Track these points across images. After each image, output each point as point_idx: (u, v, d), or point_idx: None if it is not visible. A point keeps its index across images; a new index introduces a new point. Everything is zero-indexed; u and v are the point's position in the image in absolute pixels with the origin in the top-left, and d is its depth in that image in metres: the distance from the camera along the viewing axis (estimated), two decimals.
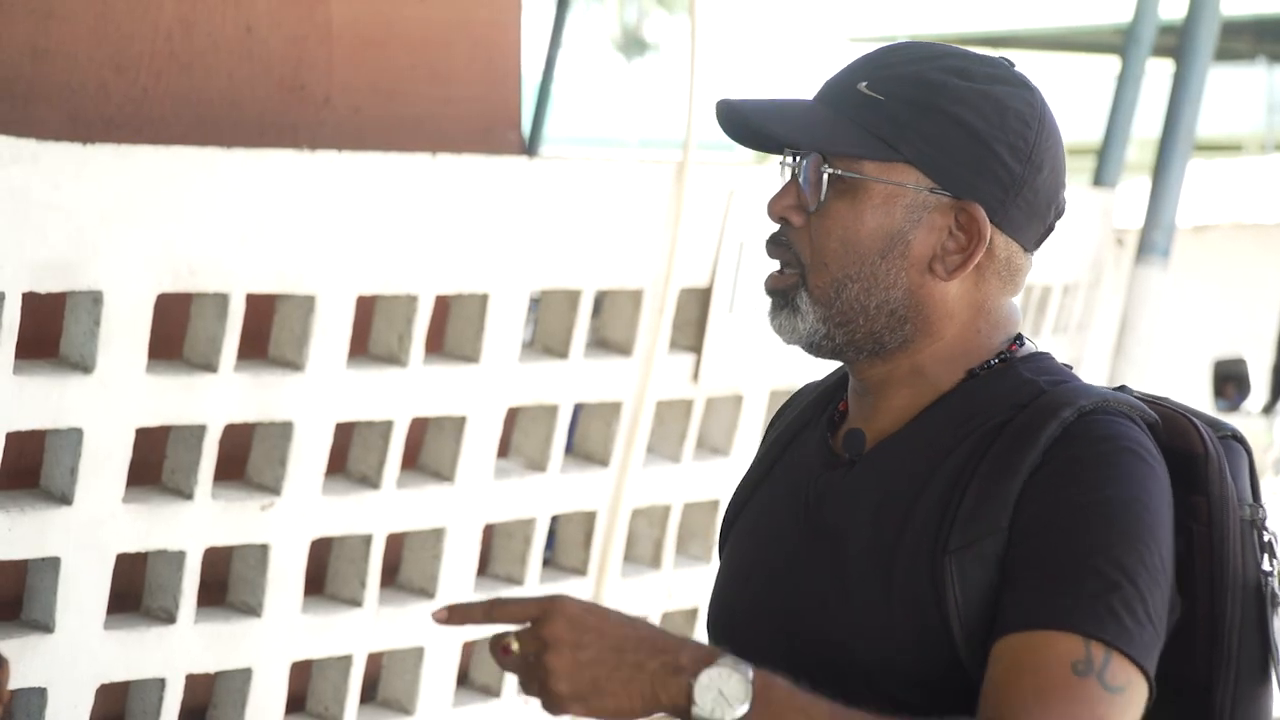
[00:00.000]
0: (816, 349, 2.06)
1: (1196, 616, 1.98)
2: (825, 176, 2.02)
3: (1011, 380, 2.03)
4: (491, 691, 3.92)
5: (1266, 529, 2.02)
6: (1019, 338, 2.08)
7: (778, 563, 2.07)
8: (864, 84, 2.03)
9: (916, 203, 2.01)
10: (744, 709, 1.84)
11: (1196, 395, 10.49)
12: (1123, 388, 2.07)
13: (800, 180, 2.04)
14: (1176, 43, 5.81)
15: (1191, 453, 2.01)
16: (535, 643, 1.85)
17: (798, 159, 2.04)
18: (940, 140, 2.00)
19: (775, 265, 2.07)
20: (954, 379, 2.04)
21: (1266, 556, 2.01)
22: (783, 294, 2.05)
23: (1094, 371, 5.70)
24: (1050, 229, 2.08)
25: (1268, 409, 9.71)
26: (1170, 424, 2.03)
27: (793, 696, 1.85)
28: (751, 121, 2.04)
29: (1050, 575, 1.90)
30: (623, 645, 1.85)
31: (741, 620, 2.10)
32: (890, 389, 2.06)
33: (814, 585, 2.03)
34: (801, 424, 2.17)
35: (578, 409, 4.02)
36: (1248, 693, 1.99)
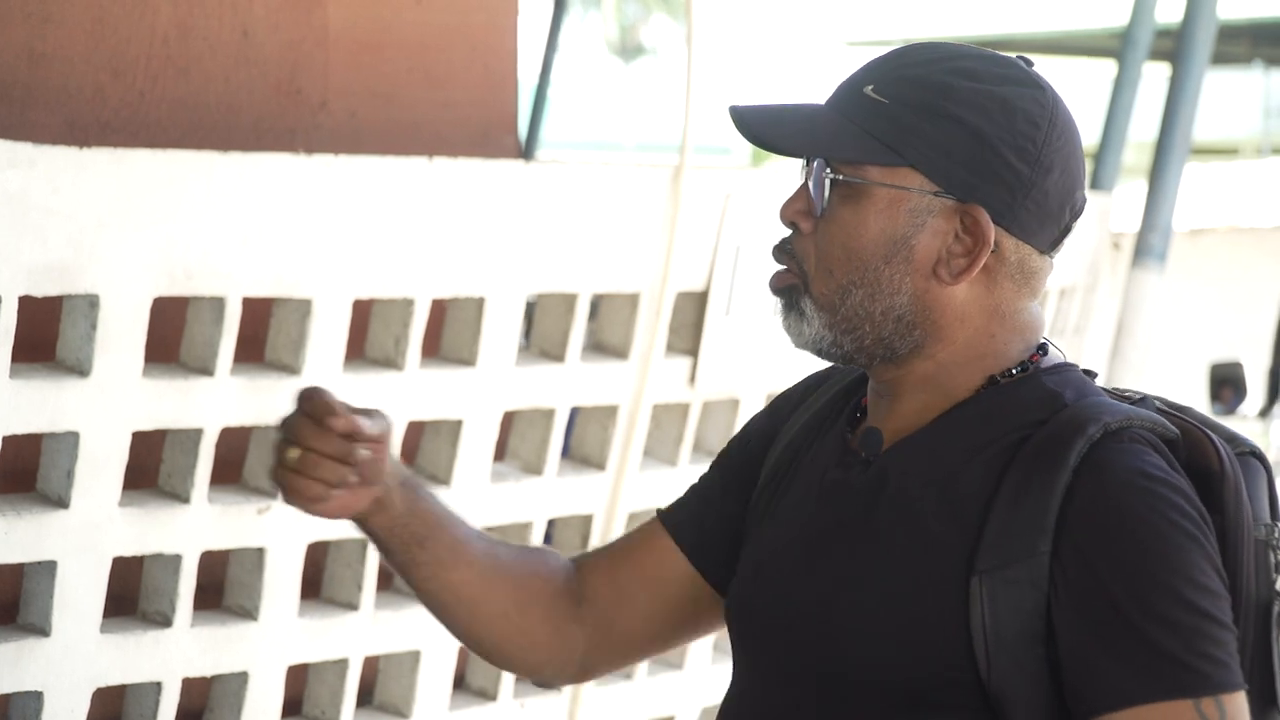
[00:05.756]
0: (825, 354, 2.05)
1: None
2: (828, 181, 2.01)
3: (1034, 390, 2.01)
4: (488, 695, 3.92)
5: None
6: (1043, 346, 2.07)
7: (785, 563, 2.07)
8: (870, 88, 2.02)
9: (920, 207, 2.00)
10: None
11: (1193, 399, 10.49)
12: (1145, 399, 2.06)
13: (810, 185, 2.03)
14: (1173, 46, 5.82)
15: (1208, 470, 2.00)
16: None
17: (808, 163, 2.04)
18: (944, 143, 1.99)
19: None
20: (973, 384, 2.03)
21: (1279, 577, 2.01)
22: (787, 294, 2.05)
23: None
24: (1067, 230, 2.05)
25: (1264, 412, 9.71)
26: (1189, 439, 2.02)
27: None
28: (753, 128, 2.03)
29: (1129, 640, 1.90)
30: None
31: (758, 621, 2.10)
32: (907, 392, 2.05)
33: (815, 591, 2.02)
34: (823, 418, 2.16)
35: (574, 412, 4.02)
36: (1254, 714, 1.99)
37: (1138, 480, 1.93)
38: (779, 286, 2.06)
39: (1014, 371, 2.03)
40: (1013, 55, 2.06)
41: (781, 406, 2.23)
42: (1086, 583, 1.91)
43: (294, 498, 2.11)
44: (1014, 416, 2.00)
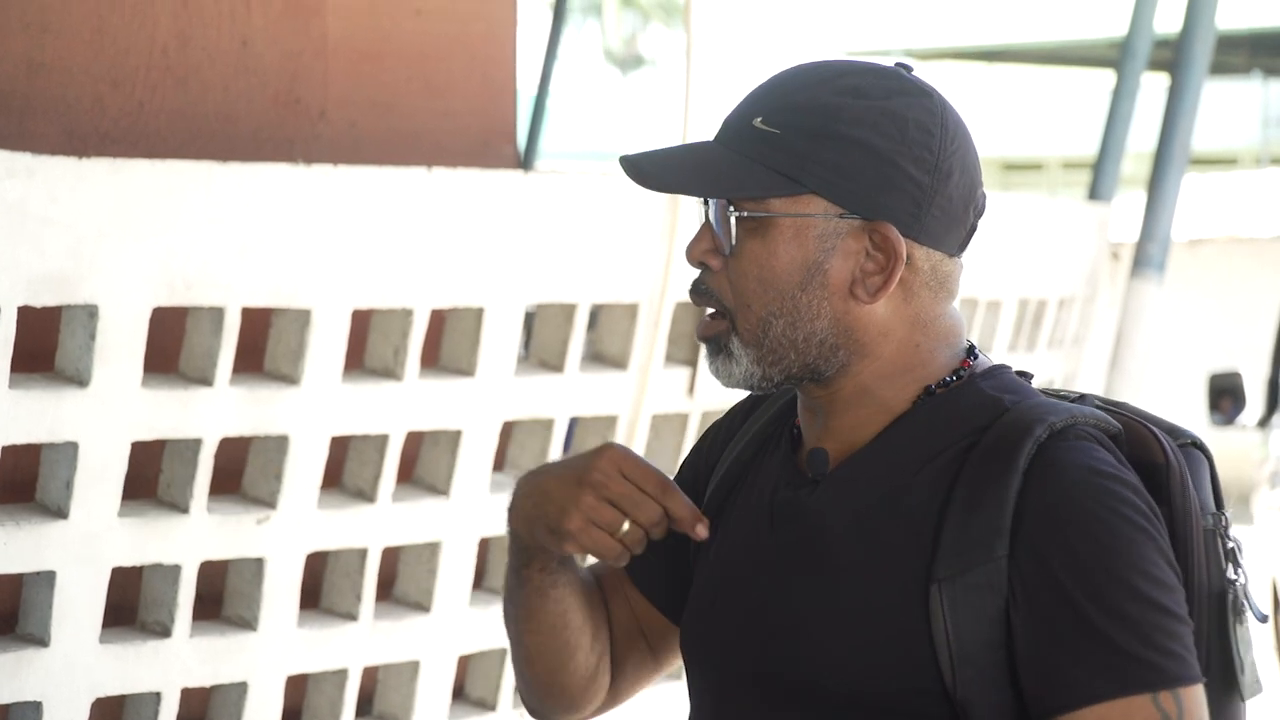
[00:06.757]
0: (756, 389, 2.07)
1: None
2: (733, 219, 2.02)
3: (973, 396, 2.02)
4: (487, 705, 3.92)
5: (1229, 537, 2.03)
6: (971, 349, 2.08)
7: (744, 586, 2.07)
8: (759, 119, 2.02)
9: (828, 230, 2.00)
10: None
11: (1191, 409, 10.49)
12: (1083, 397, 2.07)
13: (713, 223, 2.04)
14: (1172, 56, 5.83)
15: (1153, 463, 2.01)
16: None
17: (705, 202, 2.04)
18: (842, 165, 2.00)
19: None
20: (907, 396, 2.04)
21: (1231, 565, 2.02)
22: (715, 340, 2.06)
23: (1090, 386, 5.70)
24: (973, 229, 2.06)
25: (1263, 422, 9.71)
26: (1132, 433, 2.03)
27: None
28: (649, 175, 2.04)
29: (1086, 637, 1.90)
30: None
31: (715, 650, 2.09)
32: (840, 409, 2.05)
33: (782, 611, 2.03)
34: (761, 441, 2.17)
35: (573, 422, 4.02)
36: (1216, 703, 1.99)
37: (1087, 477, 1.95)
38: (709, 335, 2.07)
39: (949, 380, 2.04)
40: (891, 65, 2.06)
41: (716, 437, 2.25)
42: (1042, 582, 1.92)
43: (600, 558, 2.10)
44: (958, 424, 2.01)
